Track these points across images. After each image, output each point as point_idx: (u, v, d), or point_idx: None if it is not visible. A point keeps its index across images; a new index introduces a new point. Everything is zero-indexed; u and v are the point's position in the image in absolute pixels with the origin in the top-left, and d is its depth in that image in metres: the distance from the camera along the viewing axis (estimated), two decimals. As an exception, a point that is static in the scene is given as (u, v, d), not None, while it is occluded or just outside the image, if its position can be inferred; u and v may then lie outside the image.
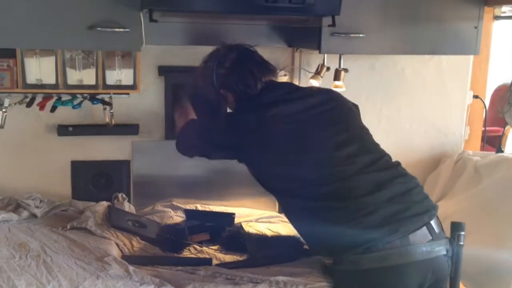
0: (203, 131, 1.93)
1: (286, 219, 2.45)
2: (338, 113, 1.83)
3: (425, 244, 1.66)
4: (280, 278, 1.82)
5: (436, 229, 1.70)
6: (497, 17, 2.58)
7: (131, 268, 1.78)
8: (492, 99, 3.36)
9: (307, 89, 1.97)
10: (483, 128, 2.84)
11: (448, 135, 2.70)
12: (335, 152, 1.75)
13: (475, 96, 2.72)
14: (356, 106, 1.95)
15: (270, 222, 2.44)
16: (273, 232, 2.29)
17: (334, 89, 2.18)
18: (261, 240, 2.09)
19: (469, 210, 2.31)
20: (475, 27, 2.16)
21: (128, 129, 2.40)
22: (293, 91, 1.89)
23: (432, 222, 1.70)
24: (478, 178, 2.42)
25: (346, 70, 2.34)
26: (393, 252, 1.63)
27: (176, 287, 1.73)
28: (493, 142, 3.07)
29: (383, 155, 1.82)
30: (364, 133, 1.86)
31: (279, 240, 2.11)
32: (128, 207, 2.37)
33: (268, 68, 1.90)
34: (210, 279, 1.81)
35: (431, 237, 1.67)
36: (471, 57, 2.65)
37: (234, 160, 1.88)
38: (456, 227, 1.73)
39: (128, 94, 2.30)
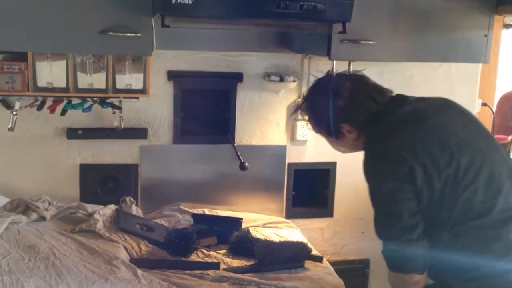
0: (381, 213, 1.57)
1: (293, 225, 2.48)
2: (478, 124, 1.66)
3: None
4: (287, 284, 1.83)
5: None
6: (507, 26, 2.58)
7: (139, 271, 1.80)
8: (498, 106, 3.35)
9: (430, 99, 1.71)
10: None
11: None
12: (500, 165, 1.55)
13: (484, 104, 2.72)
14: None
15: (277, 227, 2.44)
16: (280, 237, 2.29)
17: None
18: (269, 245, 2.08)
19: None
20: (485, 35, 2.16)
21: (137, 133, 2.41)
22: (424, 100, 1.68)
23: None
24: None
25: (390, 91, 2.33)
26: None
27: (184, 291, 1.74)
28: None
29: None
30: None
31: (286, 245, 2.11)
32: (136, 210, 2.37)
33: (384, 89, 1.69)
34: (217, 284, 1.82)
35: None
36: (480, 65, 2.65)
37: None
38: None
39: (137, 98, 2.32)
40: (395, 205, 1.51)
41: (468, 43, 2.18)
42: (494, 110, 2.79)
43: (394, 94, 1.70)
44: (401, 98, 1.67)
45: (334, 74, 1.76)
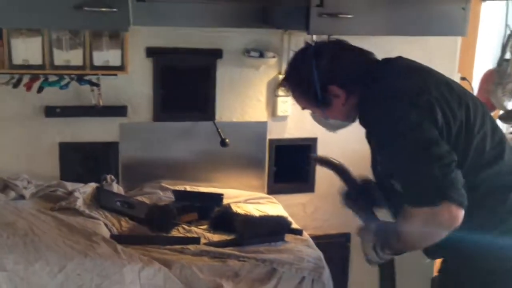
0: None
1: (275, 200, 2.50)
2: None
3: None
4: (267, 256, 1.85)
5: None
6: (485, -2, 2.59)
7: (119, 247, 1.80)
8: (481, 82, 3.36)
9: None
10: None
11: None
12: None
13: (463, 78, 2.74)
14: None
15: (259, 203, 2.46)
16: (261, 212, 2.31)
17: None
18: (249, 220, 2.10)
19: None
20: (463, 8, 2.16)
21: (116, 110, 2.39)
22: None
23: None
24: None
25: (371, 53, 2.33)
26: None
27: (164, 265, 1.75)
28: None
29: None
30: None
31: (266, 219, 2.13)
32: (117, 188, 2.37)
33: (368, 52, 1.62)
34: (197, 257, 1.84)
35: None
36: (459, 38, 2.66)
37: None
38: None
39: (116, 75, 2.30)
40: (423, 133, 1.35)
41: (446, 16, 2.18)
42: (474, 84, 2.82)
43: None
44: (388, 59, 1.61)
45: (310, 43, 1.67)
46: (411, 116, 1.36)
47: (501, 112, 2.49)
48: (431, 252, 1.56)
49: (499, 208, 1.43)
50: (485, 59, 2.88)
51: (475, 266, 1.46)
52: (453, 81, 1.58)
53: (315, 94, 1.53)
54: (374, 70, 1.53)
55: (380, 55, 2.53)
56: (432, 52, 2.62)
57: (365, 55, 1.59)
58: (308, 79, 1.53)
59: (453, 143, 1.40)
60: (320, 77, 1.51)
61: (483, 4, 2.66)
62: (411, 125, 1.36)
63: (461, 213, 1.32)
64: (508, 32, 2.47)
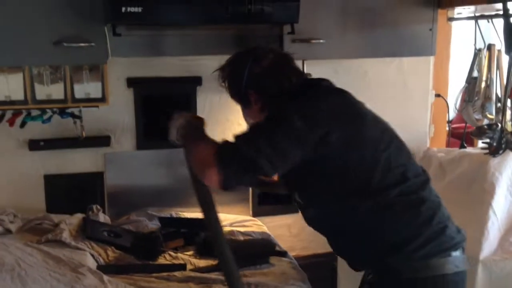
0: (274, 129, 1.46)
1: (260, 223, 2.53)
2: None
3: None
4: (252, 280, 1.87)
5: None
6: (450, 19, 2.67)
7: (105, 277, 1.81)
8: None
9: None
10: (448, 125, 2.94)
11: (413, 134, 2.75)
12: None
13: (437, 95, 2.81)
14: None
15: (244, 226, 2.48)
16: (245, 235, 2.34)
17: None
18: (234, 244, 2.13)
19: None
20: (430, 29, 2.24)
21: (99, 141, 2.43)
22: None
23: None
24: (442, 174, 2.50)
25: (309, 75, 2.40)
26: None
27: (151, 294, 1.77)
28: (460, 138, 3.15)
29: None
30: None
31: (250, 243, 2.16)
32: (104, 218, 2.39)
33: (303, 74, 1.72)
34: (184, 284, 1.86)
35: None
36: (431, 58, 2.73)
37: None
38: None
39: (97, 106, 2.33)
40: (292, 122, 1.43)
41: (414, 37, 2.26)
42: (449, 100, 2.89)
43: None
44: (314, 82, 1.67)
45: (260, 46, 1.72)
46: (294, 118, 1.44)
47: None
48: (355, 264, 1.63)
49: (413, 222, 1.51)
50: (459, 76, 2.96)
51: (396, 277, 1.52)
52: (367, 110, 1.63)
53: (239, 90, 1.64)
54: (295, 90, 1.60)
55: (355, 78, 2.64)
56: (406, 72, 2.70)
57: (297, 75, 1.66)
58: (238, 77, 1.63)
59: (357, 160, 1.48)
60: (247, 80, 1.61)
61: (453, 24, 2.74)
62: (288, 116, 1.46)
63: (218, 181, 1.43)
64: (475, 51, 2.54)
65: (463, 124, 3.26)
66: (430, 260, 1.49)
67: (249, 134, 1.48)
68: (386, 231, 1.50)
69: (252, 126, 1.55)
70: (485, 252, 2.15)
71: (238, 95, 1.66)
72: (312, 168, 1.50)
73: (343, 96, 1.59)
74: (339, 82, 2.27)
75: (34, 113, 2.26)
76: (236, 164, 1.43)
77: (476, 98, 2.47)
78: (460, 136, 2.75)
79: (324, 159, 1.48)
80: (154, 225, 2.40)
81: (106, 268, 1.94)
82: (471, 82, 2.54)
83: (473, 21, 2.56)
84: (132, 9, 1.79)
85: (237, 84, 1.63)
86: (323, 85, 1.63)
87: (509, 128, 2.27)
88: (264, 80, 1.61)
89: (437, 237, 1.50)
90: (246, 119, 1.75)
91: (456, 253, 1.52)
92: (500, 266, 2.13)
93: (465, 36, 3.00)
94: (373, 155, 1.50)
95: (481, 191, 2.27)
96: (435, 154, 2.64)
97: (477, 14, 2.51)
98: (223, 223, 2.43)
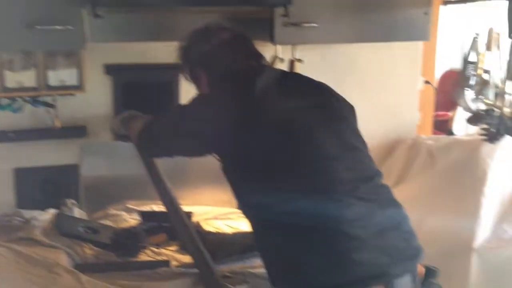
0: (167, 119, 1.69)
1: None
2: (336, 117, 1.59)
3: None
4: (239, 271, 1.82)
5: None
6: (446, 2, 2.63)
7: (83, 277, 1.73)
8: (440, 83, 3.43)
9: (305, 78, 1.70)
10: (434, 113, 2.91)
11: (401, 121, 2.74)
12: (331, 161, 1.49)
13: (427, 82, 2.78)
14: (353, 109, 1.67)
15: (229, 218, 2.41)
16: (233, 228, 2.26)
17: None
18: (221, 238, 2.07)
19: (426, 193, 2.37)
20: (425, 13, 2.19)
21: (74, 131, 2.33)
22: (287, 77, 1.68)
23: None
24: (432, 161, 2.48)
25: (300, 61, 2.33)
26: None
27: (133, 293, 1.69)
28: (441, 127, 3.15)
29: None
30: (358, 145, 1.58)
31: (238, 236, 2.09)
32: (79, 213, 2.28)
33: (258, 56, 1.67)
34: (168, 282, 1.78)
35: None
36: (421, 43, 2.69)
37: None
38: (430, 273, 1.53)
39: (73, 94, 2.23)
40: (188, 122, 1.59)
41: (409, 21, 2.22)
42: (435, 87, 2.87)
43: (265, 64, 1.69)
44: (260, 71, 1.59)
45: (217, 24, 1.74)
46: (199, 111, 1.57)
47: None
48: (273, 280, 1.53)
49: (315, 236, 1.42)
50: (445, 61, 2.93)
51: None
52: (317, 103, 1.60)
53: (189, 67, 1.71)
54: (243, 75, 1.58)
55: (345, 64, 2.58)
56: (396, 58, 2.66)
57: (251, 58, 1.64)
58: (188, 55, 1.70)
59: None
60: (196, 57, 1.66)
61: (442, 8, 2.69)
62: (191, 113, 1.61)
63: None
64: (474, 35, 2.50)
65: (443, 112, 3.25)
66: None
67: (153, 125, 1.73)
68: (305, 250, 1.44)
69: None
70: (479, 241, 2.13)
71: (189, 73, 1.71)
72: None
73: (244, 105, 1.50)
74: (329, 68, 2.23)
75: (4, 102, 2.15)
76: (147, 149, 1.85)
77: (473, 83, 2.42)
78: (440, 124, 2.73)
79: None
80: (134, 219, 2.30)
81: (83, 267, 1.85)
82: (468, 67, 2.49)
83: (462, 6, 2.53)
84: (113, -12, 1.68)
85: (188, 62, 1.69)
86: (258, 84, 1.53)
87: (508, 114, 2.24)
88: (211, 59, 1.63)
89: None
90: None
91: None
92: (494, 254, 2.12)
93: (449, 22, 2.97)
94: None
95: (473, 179, 2.25)
96: (424, 141, 2.62)
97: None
98: (207, 216, 2.38)
